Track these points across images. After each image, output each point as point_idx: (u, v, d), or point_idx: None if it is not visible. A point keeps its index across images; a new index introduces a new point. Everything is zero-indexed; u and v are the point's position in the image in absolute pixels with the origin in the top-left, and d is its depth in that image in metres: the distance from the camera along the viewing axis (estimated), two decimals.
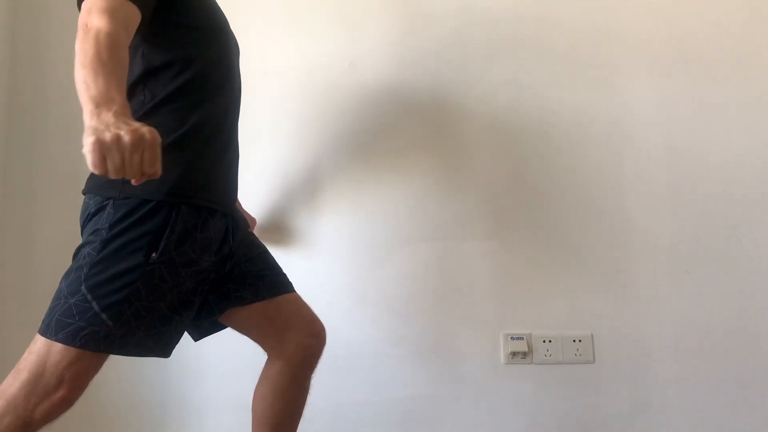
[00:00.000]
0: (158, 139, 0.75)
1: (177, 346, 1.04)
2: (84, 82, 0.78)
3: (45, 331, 0.92)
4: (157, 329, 0.98)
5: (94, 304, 0.91)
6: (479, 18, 1.70)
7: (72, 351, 0.91)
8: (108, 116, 0.74)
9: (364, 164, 1.66)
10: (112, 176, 0.72)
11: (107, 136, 0.71)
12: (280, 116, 1.66)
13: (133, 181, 0.76)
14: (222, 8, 1.20)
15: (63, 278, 0.96)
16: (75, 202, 1.65)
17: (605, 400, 1.58)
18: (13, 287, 1.63)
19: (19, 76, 1.70)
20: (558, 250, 1.62)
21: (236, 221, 1.16)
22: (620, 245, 1.62)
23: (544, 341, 1.59)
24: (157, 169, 0.75)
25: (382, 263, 1.62)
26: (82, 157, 0.71)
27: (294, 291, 1.24)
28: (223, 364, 1.57)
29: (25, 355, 0.93)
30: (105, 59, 0.81)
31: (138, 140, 0.72)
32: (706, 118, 1.66)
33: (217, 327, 1.21)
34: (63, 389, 0.91)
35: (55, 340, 0.91)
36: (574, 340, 1.59)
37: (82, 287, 0.92)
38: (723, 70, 1.68)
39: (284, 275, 1.25)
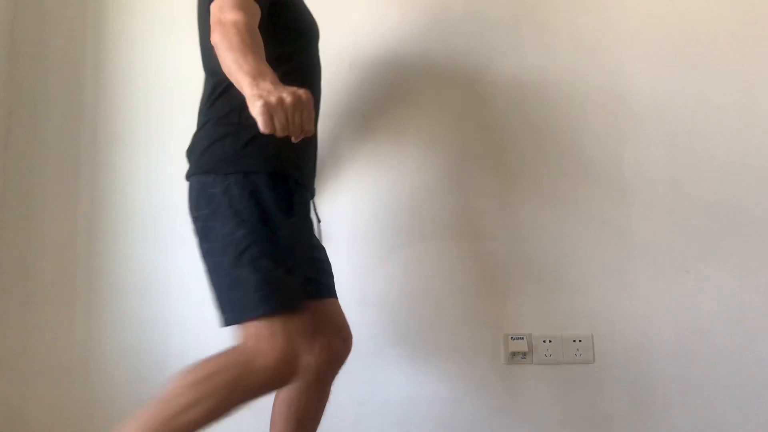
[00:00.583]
0: (312, 100, 0.85)
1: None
2: (235, 62, 0.88)
3: (229, 319, 0.99)
4: (289, 280, 1.02)
5: (243, 271, 0.98)
6: (479, 16, 1.70)
7: (263, 321, 0.96)
8: (266, 84, 0.84)
9: (364, 164, 1.66)
10: (279, 134, 0.82)
11: (272, 98, 0.80)
12: None
13: (293, 138, 0.85)
14: None
15: (208, 271, 1.02)
16: (74, 203, 1.66)
17: (605, 400, 1.58)
18: (12, 287, 1.63)
19: (19, 75, 1.70)
20: (558, 250, 1.62)
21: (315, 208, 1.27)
22: (620, 245, 1.62)
23: (544, 341, 1.59)
24: (313, 127, 0.85)
25: (383, 263, 1.62)
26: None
27: (336, 297, 1.33)
28: None
29: (230, 348, 0.97)
30: (249, 43, 0.92)
31: (297, 100, 0.82)
32: (707, 117, 1.66)
33: None
34: (276, 359, 0.95)
35: (249, 319, 0.96)
36: (574, 340, 1.59)
37: (226, 261, 0.99)
38: (725, 67, 1.68)
39: (333, 279, 1.35)
